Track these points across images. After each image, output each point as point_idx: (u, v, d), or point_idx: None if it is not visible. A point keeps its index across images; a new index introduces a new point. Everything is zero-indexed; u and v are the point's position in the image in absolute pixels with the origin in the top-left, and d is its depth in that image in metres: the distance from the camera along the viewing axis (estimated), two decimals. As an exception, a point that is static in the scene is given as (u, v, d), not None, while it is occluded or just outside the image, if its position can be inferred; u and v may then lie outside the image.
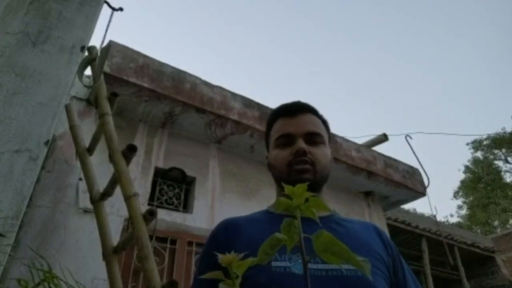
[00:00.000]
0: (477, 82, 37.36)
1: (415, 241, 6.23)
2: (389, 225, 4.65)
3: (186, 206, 2.69)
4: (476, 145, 20.52)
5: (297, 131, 0.80)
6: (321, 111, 0.90)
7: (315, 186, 0.76)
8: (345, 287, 0.61)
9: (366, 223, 0.82)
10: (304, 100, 0.90)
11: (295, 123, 0.82)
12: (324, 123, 0.88)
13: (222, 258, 0.37)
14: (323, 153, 0.80)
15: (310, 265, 0.63)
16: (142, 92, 2.48)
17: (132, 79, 2.40)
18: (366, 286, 0.62)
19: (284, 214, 0.74)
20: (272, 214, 0.80)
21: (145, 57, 2.57)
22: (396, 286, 0.71)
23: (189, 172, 2.73)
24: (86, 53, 1.86)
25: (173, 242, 2.44)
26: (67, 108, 1.87)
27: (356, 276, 0.62)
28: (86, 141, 1.85)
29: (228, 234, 0.75)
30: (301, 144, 0.77)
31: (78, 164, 1.88)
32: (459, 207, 21.68)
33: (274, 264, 0.64)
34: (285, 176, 0.77)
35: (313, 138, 0.80)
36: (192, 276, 2.30)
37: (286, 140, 0.80)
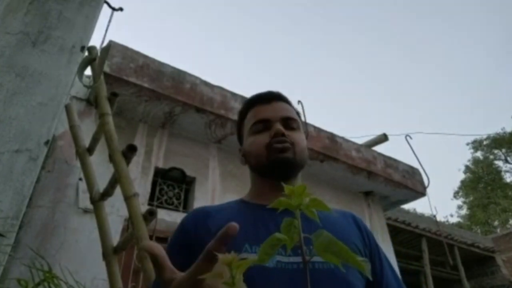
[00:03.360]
0: (477, 82, 37.39)
1: (415, 241, 6.23)
2: (389, 225, 4.65)
3: (186, 206, 2.69)
4: (476, 145, 20.53)
5: (274, 116, 0.79)
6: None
7: (293, 169, 0.75)
8: (317, 280, 0.60)
9: (343, 212, 0.81)
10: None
11: (270, 108, 0.81)
12: (297, 113, 0.87)
13: (222, 258, 0.37)
14: (300, 137, 0.79)
15: (281, 258, 0.62)
16: (142, 92, 2.48)
17: (132, 79, 2.40)
18: (338, 279, 0.61)
19: (258, 204, 0.73)
20: (246, 203, 0.79)
21: (145, 57, 2.57)
22: (373, 275, 0.70)
23: (189, 172, 2.73)
24: (86, 53, 1.86)
25: (173, 242, 2.44)
26: (67, 108, 1.87)
27: (328, 269, 0.61)
28: (86, 141, 1.85)
29: (198, 224, 0.72)
30: (279, 126, 0.77)
31: (78, 164, 1.88)
32: (459, 207, 21.69)
33: (244, 256, 0.61)
34: (264, 158, 0.75)
35: (289, 124, 0.79)
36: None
37: (263, 125, 0.79)
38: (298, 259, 0.62)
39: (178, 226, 0.76)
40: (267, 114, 0.80)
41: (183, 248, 0.70)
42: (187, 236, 0.71)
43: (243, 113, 0.87)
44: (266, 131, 0.78)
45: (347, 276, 0.62)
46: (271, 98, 0.83)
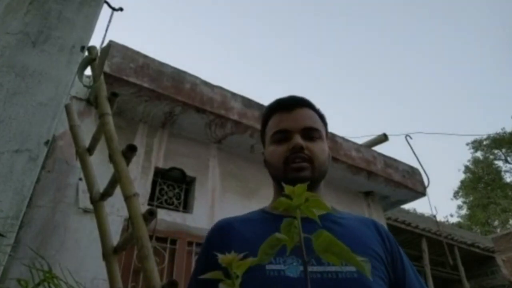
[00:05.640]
0: (477, 82, 37.38)
1: (415, 241, 6.24)
2: (389, 225, 4.65)
3: (186, 206, 2.69)
4: (476, 145, 20.53)
5: (294, 127, 0.78)
6: (322, 111, 0.88)
7: (313, 184, 0.74)
8: None
9: (364, 219, 0.81)
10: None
11: (291, 118, 0.79)
12: (321, 117, 0.85)
13: (222, 258, 0.37)
14: (321, 149, 0.78)
15: None
16: (142, 92, 2.48)
17: (132, 79, 2.40)
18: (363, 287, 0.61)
19: (281, 215, 0.73)
20: (268, 214, 0.78)
21: (145, 57, 2.57)
22: (395, 281, 0.70)
23: (189, 172, 2.73)
24: (86, 53, 1.86)
25: (173, 242, 2.44)
26: (67, 108, 1.86)
27: (352, 278, 0.61)
28: (86, 141, 1.84)
29: (223, 236, 0.73)
30: (298, 139, 0.75)
31: (78, 164, 1.87)
32: (459, 207, 21.69)
33: (268, 267, 0.62)
34: (281, 174, 0.75)
35: (310, 134, 0.78)
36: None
37: (283, 135, 0.78)
38: (322, 268, 0.62)
39: (205, 238, 0.77)
40: (288, 124, 0.78)
41: (209, 265, 0.70)
42: (213, 247, 0.71)
43: (265, 119, 0.86)
44: (285, 142, 0.77)
45: (372, 284, 0.61)
46: (294, 105, 0.82)
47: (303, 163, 0.74)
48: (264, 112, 0.87)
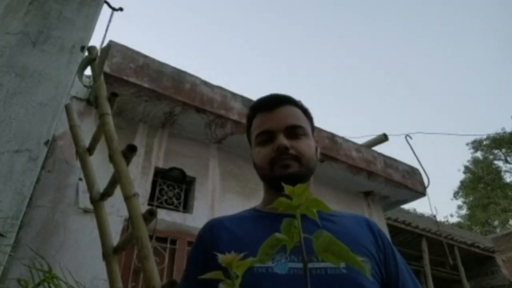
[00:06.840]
0: (477, 82, 37.37)
1: (415, 241, 6.24)
2: (389, 225, 4.65)
3: (186, 206, 2.69)
4: (476, 145, 20.53)
5: (277, 126, 0.77)
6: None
7: (300, 179, 0.73)
8: (329, 286, 0.60)
9: (356, 216, 0.80)
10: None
11: (274, 117, 0.78)
12: (305, 112, 0.84)
13: (222, 258, 0.37)
14: (307, 145, 0.77)
15: (293, 265, 0.62)
16: (142, 92, 2.48)
17: (132, 79, 2.40)
18: (350, 284, 0.61)
19: (271, 212, 0.73)
20: (259, 212, 0.78)
21: (145, 57, 2.57)
22: (387, 279, 0.69)
23: (189, 172, 2.73)
24: (86, 53, 1.86)
25: (173, 242, 2.44)
26: (67, 108, 1.86)
27: (340, 274, 0.61)
28: (86, 141, 1.84)
29: (213, 233, 0.73)
30: (282, 140, 0.74)
31: (78, 164, 1.88)
32: (459, 207, 21.70)
33: (256, 264, 0.62)
34: (268, 172, 0.75)
35: (294, 131, 0.77)
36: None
37: (267, 136, 0.77)
38: (311, 265, 0.62)
39: (196, 238, 0.78)
40: (271, 124, 0.78)
41: (199, 260, 0.71)
42: (204, 243, 0.73)
43: (249, 120, 0.85)
44: (270, 143, 0.76)
45: (361, 280, 0.61)
46: (276, 103, 0.81)
47: (289, 160, 0.73)
48: (247, 113, 0.87)
